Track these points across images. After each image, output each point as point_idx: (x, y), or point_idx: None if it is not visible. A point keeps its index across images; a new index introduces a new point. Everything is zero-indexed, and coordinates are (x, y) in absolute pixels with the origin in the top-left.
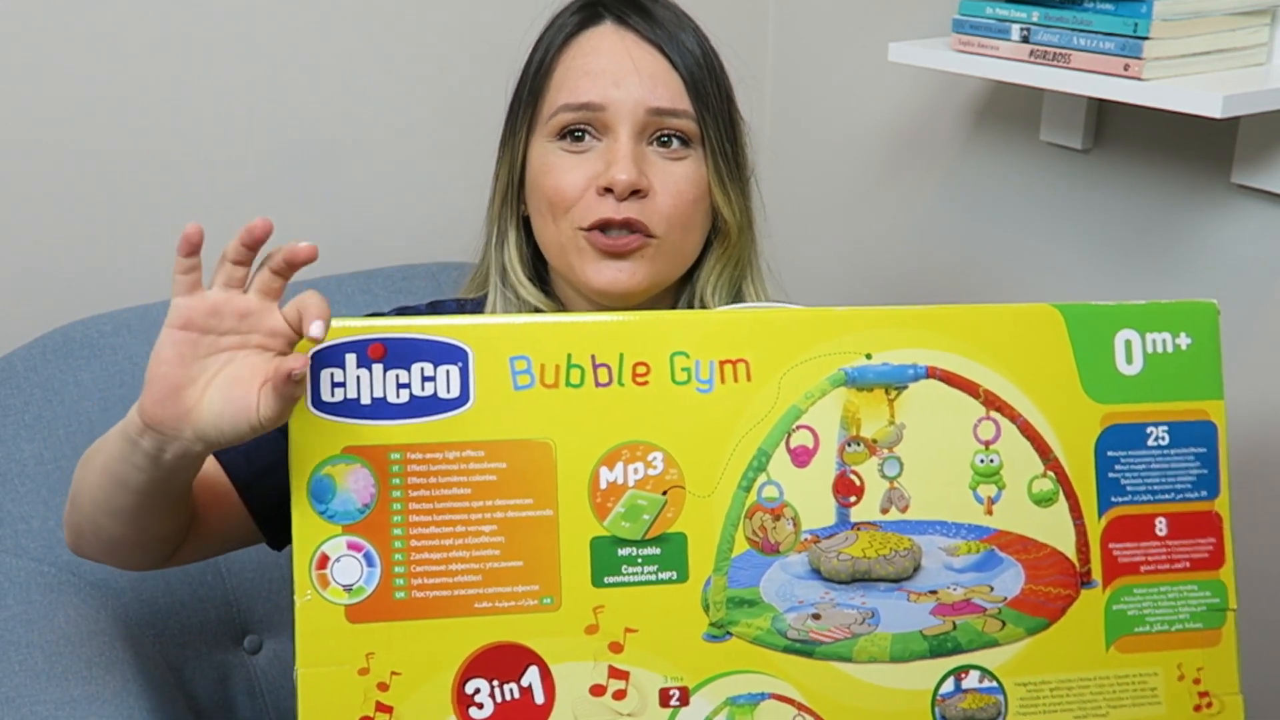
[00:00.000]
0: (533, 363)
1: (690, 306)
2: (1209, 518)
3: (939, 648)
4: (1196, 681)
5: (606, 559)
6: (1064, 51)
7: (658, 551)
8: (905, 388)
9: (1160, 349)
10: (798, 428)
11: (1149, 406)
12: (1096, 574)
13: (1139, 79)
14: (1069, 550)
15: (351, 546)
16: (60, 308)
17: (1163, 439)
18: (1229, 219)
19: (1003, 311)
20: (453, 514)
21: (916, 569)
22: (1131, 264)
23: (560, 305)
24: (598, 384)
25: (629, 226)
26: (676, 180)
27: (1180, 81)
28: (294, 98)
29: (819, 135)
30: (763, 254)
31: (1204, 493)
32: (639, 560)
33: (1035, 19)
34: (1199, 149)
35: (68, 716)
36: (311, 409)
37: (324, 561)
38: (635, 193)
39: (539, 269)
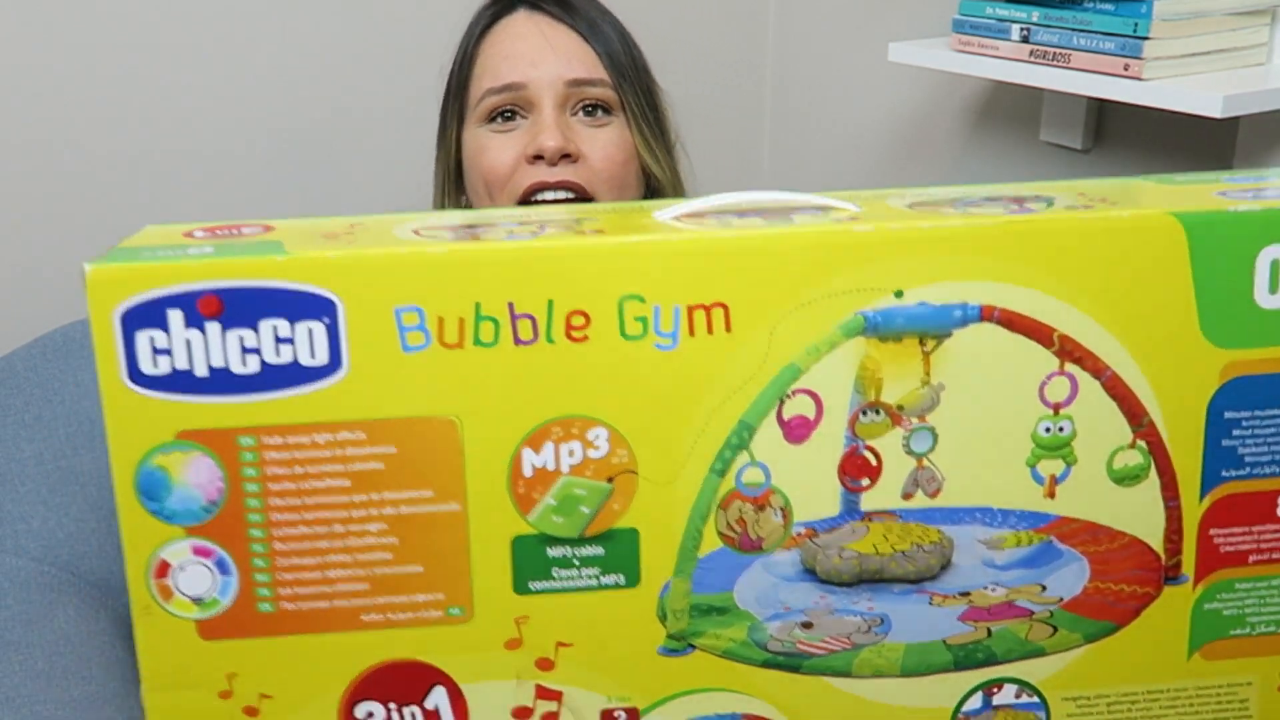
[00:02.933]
0: (427, 315)
1: None
2: None
3: (967, 659)
4: None
5: (532, 561)
6: (1064, 51)
7: (600, 551)
8: (949, 335)
9: None
10: (794, 393)
11: None
12: (1187, 567)
13: (1139, 79)
14: (1155, 539)
15: (198, 551)
16: (60, 308)
17: None
18: None
19: (1096, 227)
20: (328, 510)
21: (945, 567)
22: None
23: None
24: (518, 341)
25: (566, 188)
26: (604, 144)
27: (1180, 81)
28: (293, 95)
29: (819, 135)
30: None
31: None
32: (575, 562)
33: (1035, 19)
34: (1199, 149)
35: (68, 717)
36: (130, 384)
37: (164, 569)
38: (565, 157)
39: None
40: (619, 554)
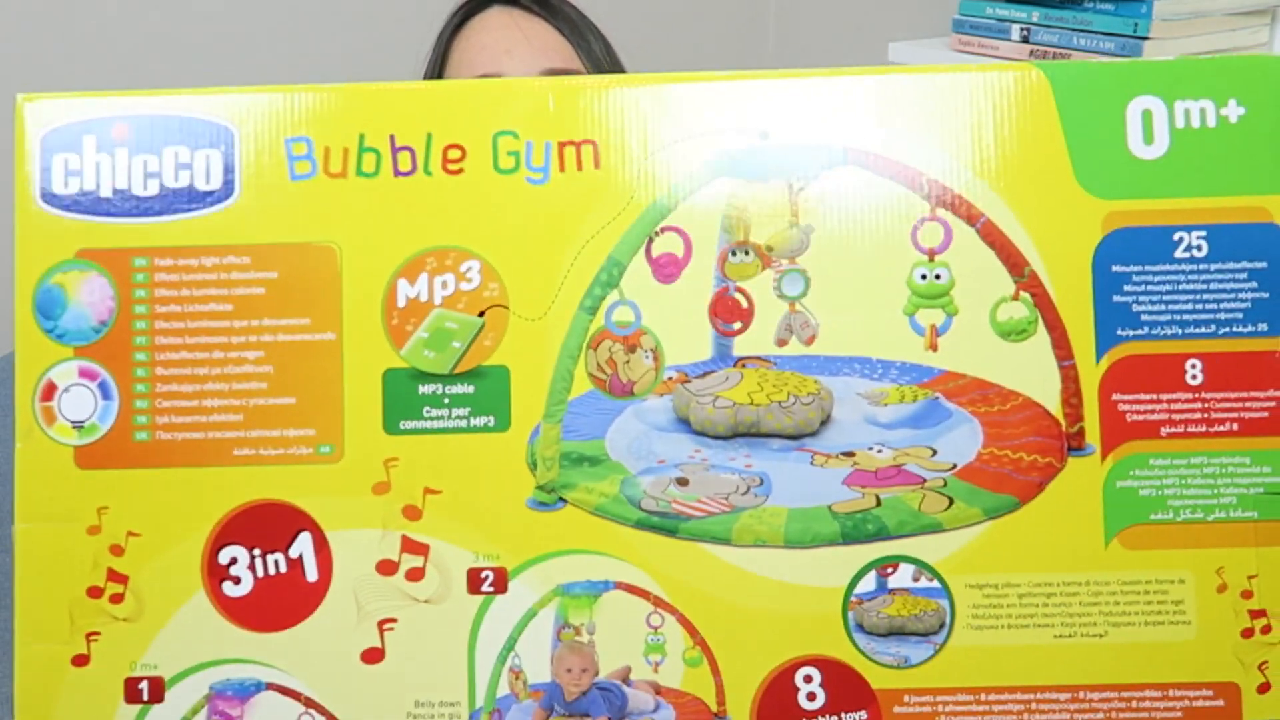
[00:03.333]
0: (314, 145)
1: None
2: (1270, 361)
3: (855, 531)
4: (1247, 595)
5: (403, 398)
6: (1064, 51)
7: (470, 390)
8: (815, 177)
9: (1195, 123)
10: (663, 230)
11: (1178, 203)
12: (1092, 437)
13: None
14: (1051, 402)
15: (84, 374)
16: None
17: (1198, 248)
18: None
19: (958, 72)
20: (209, 335)
21: (825, 422)
22: None
23: None
24: (397, 172)
25: None
26: None
27: None
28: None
29: None
30: None
31: (1262, 325)
32: (446, 400)
33: (1035, 19)
34: None
35: None
36: (40, 204)
37: (50, 391)
38: None
39: None
40: (490, 393)
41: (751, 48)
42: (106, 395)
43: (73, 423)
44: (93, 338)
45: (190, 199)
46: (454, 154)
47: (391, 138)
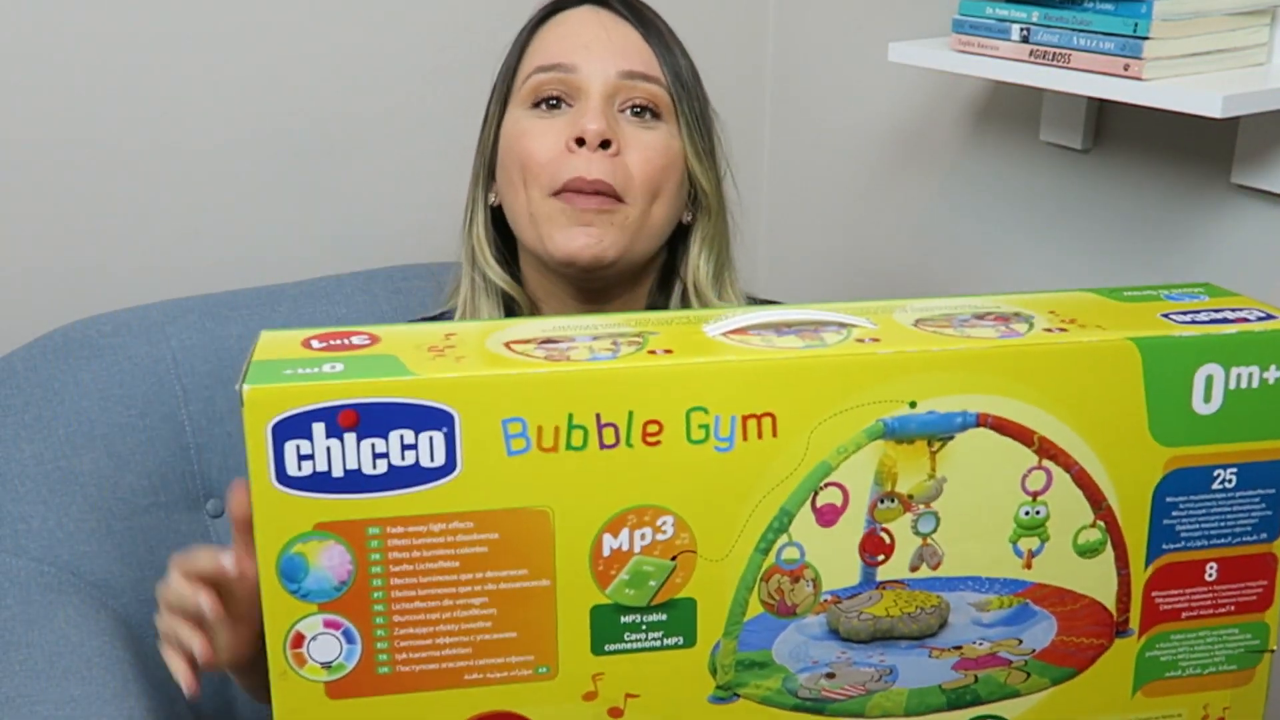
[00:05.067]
0: (528, 425)
1: (674, 287)
2: (1264, 560)
3: (957, 700)
4: None
5: (608, 627)
6: (1064, 51)
7: (664, 618)
8: (951, 438)
9: (1244, 385)
10: (826, 485)
11: (1220, 448)
12: (1134, 623)
13: (1139, 79)
14: (1108, 600)
15: (328, 624)
16: (60, 308)
17: (1229, 482)
18: (1229, 219)
19: (1070, 350)
20: (439, 588)
21: (943, 625)
22: (1131, 264)
23: (525, 292)
24: (603, 445)
25: (598, 190)
26: (646, 145)
27: (1180, 81)
28: (294, 96)
29: (819, 135)
30: (735, 245)
31: (1263, 535)
32: (643, 627)
33: (1035, 19)
34: (1199, 149)
35: (68, 716)
36: (277, 485)
37: (299, 640)
38: (605, 145)
39: (506, 254)
40: (679, 620)
41: (751, 48)
42: (350, 640)
43: (322, 664)
44: (334, 595)
45: (416, 476)
46: (652, 429)
47: (597, 416)
